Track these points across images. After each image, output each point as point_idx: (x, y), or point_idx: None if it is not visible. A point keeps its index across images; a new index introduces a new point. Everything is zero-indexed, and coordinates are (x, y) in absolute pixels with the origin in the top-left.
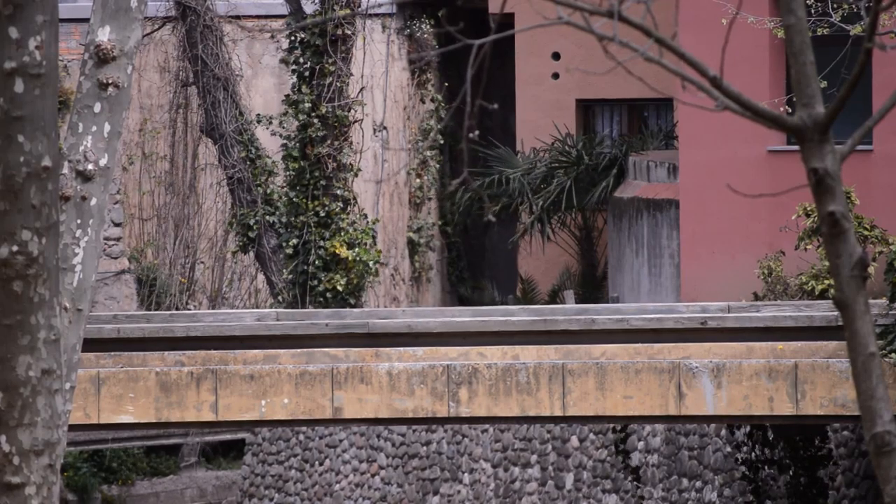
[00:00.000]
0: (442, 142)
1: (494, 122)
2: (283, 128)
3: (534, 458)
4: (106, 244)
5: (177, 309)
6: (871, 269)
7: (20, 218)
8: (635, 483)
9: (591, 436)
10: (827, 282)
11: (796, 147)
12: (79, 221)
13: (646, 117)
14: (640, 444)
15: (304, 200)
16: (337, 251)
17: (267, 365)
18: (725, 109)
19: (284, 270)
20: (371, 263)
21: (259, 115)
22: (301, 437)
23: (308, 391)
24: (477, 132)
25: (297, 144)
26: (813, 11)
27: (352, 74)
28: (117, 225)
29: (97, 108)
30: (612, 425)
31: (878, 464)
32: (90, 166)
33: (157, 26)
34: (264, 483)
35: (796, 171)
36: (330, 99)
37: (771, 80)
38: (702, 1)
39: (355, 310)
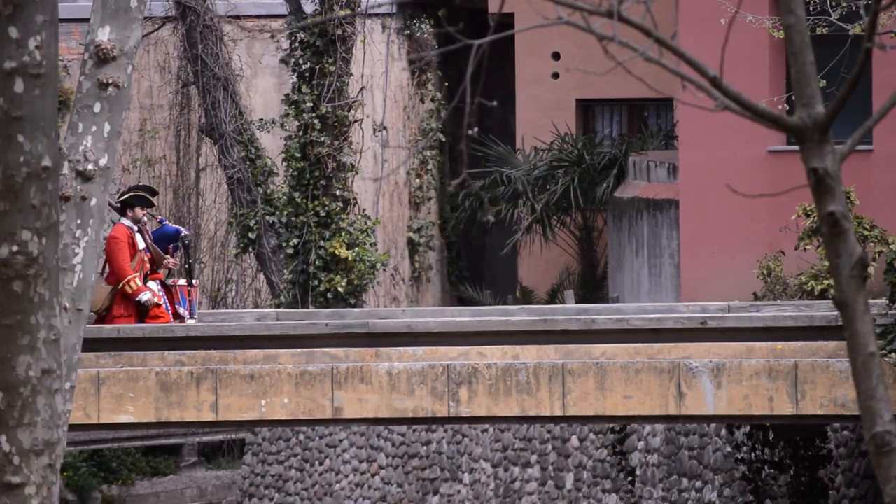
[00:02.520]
0: (444, 139)
1: (494, 122)
2: (285, 129)
3: (534, 457)
4: None
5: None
6: (870, 269)
7: (20, 218)
8: (629, 484)
9: (591, 436)
10: (827, 282)
11: (796, 147)
12: (79, 221)
13: (646, 117)
14: (640, 444)
15: (305, 200)
16: (337, 251)
17: (267, 365)
18: (725, 109)
19: (285, 270)
20: (377, 264)
21: (262, 119)
22: (301, 436)
23: (308, 391)
24: (476, 129)
25: (298, 144)
26: (812, 10)
27: (352, 74)
28: None
29: (97, 108)
30: (611, 425)
31: (878, 464)
32: (90, 166)
33: (157, 26)
34: (264, 483)
35: (796, 171)
36: (330, 99)
37: (771, 80)
38: (701, 1)
39: (355, 310)
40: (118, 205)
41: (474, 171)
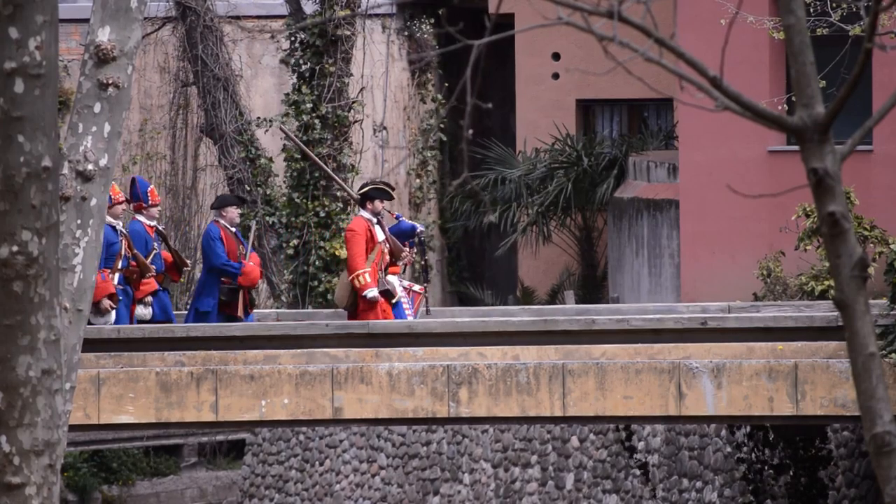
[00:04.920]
0: (444, 139)
1: (494, 122)
2: (284, 128)
3: (534, 458)
4: None
5: (177, 309)
6: (870, 270)
7: (20, 218)
8: (643, 478)
9: (592, 436)
10: (827, 282)
11: (796, 147)
12: (79, 221)
13: (646, 117)
14: (641, 445)
15: (305, 201)
16: (337, 252)
17: (267, 365)
18: (725, 109)
19: (285, 271)
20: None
21: (260, 118)
22: (301, 437)
23: (308, 391)
24: (471, 132)
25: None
26: (812, 11)
27: (352, 75)
28: None
29: (97, 108)
30: (612, 425)
31: (878, 464)
32: (90, 166)
33: (157, 26)
34: (264, 483)
35: (796, 171)
36: (330, 99)
37: (771, 80)
38: (701, 1)
39: None
40: (358, 196)
41: (475, 173)
